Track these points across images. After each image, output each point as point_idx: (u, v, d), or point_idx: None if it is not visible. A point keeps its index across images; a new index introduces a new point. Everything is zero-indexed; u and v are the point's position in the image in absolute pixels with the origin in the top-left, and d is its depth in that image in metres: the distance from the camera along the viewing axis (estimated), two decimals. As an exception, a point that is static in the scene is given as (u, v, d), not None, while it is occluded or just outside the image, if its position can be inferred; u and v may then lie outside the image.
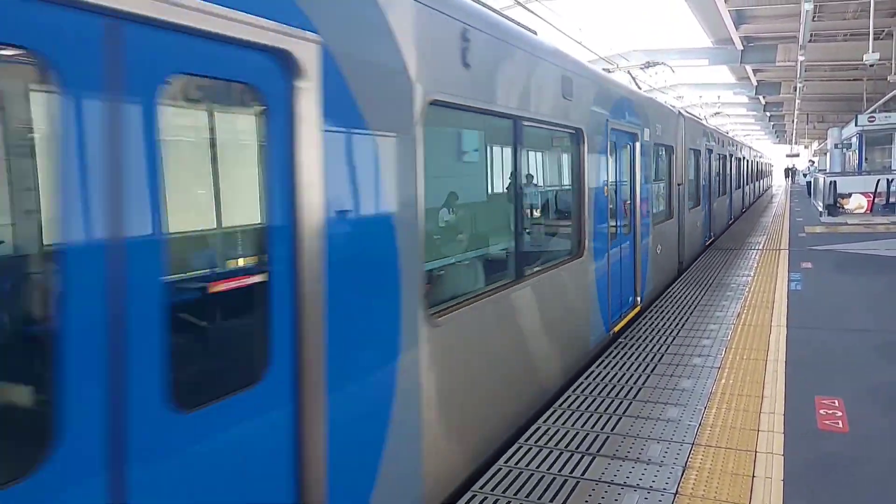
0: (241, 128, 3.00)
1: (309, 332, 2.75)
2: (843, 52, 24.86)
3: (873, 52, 17.81)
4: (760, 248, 14.67)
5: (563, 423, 4.95)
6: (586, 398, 5.47)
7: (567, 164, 6.68)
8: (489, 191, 6.63)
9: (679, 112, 12.32)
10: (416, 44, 3.59)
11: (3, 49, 1.89)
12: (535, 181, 6.54)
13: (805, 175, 47.75)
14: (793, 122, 48.27)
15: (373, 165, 3.21)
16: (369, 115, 3.15)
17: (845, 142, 38.26)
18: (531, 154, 6.43)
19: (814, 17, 17.73)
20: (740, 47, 26.12)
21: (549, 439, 4.67)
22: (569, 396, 5.51)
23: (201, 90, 2.74)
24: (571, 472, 4.17)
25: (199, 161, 3.12)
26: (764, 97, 40.56)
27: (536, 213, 6.68)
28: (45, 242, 2.13)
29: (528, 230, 5.76)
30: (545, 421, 5.00)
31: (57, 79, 1.91)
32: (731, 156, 20.48)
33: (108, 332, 2.03)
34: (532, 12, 13.52)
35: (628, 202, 8.54)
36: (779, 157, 70.80)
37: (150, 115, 2.17)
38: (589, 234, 6.56)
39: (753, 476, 4.06)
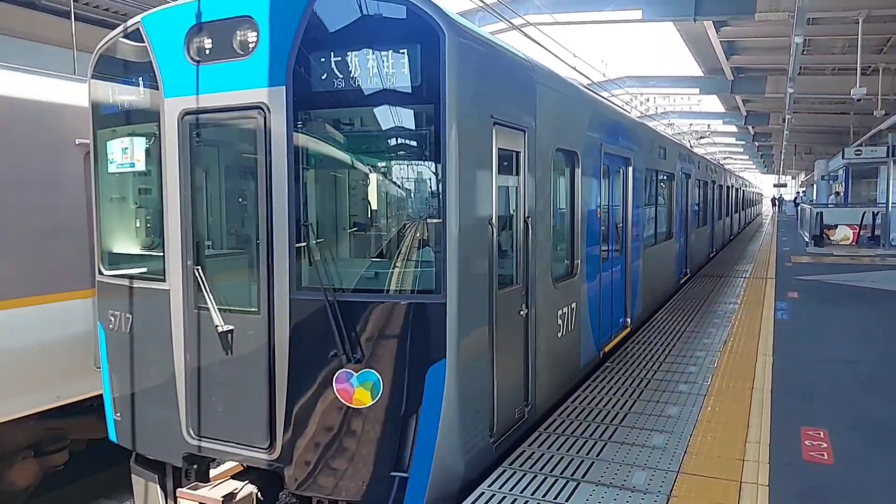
0: None
1: None
2: (831, 86, 25.32)
3: (860, 86, 18.11)
4: (748, 276, 14.75)
5: (548, 448, 4.90)
6: (572, 422, 5.42)
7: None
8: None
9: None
10: None
11: None
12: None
13: (797, 204, 48.41)
14: (781, 152, 48.85)
15: None
16: None
17: (832, 174, 38.73)
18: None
19: (803, 50, 18.01)
20: (731, 77, 26.52)
21: (534, 463, 4.62)
22: (554, 420, 5.47)
23: None
24: (556, 497, 4.12)
25: None
26: (753, 127, 41.10)
27: None
28: None
29: None
30: (530, 445, 4.95)
31: None
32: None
33: None
34: (530, 38, 13.66)
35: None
36: (767, 187, 72.00)
37: None
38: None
39: (738, 506, 4.02)
